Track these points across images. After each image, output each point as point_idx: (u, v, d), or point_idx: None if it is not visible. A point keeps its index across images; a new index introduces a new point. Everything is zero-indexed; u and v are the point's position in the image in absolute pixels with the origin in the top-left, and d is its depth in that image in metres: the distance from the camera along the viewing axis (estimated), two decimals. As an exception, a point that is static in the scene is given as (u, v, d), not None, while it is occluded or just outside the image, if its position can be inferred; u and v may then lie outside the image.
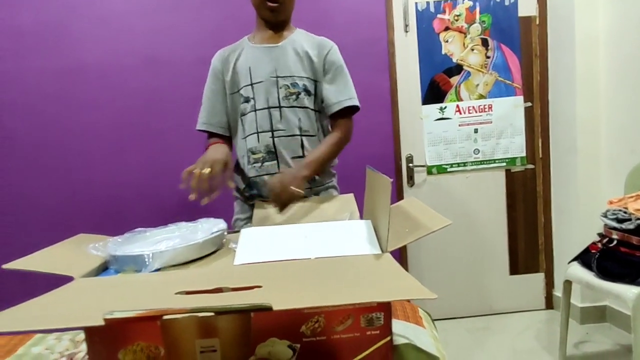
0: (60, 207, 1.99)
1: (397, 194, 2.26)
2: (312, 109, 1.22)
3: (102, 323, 0.44)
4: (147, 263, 0.67)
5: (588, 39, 2.08)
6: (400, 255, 2.29)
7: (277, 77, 1.19)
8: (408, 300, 1.08)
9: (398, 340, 0.81)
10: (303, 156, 1.20)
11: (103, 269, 0.75)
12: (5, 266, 0.67)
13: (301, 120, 1.20)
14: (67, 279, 0.68)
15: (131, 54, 1.97)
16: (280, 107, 1.18)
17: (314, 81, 1.22)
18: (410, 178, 2.28)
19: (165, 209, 2.03)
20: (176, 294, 0.56)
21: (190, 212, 1.98)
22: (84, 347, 0.93)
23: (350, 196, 1.09)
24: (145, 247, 0.71)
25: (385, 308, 0.59)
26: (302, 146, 1.20)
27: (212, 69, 1.26)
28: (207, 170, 0.95)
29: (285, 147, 1.19)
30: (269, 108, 1.18)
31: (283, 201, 1.02)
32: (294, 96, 1.19)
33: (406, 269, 2.30)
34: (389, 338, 0.61)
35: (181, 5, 1.98)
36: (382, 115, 2.12)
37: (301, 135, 1.20)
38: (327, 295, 0.57)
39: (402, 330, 0.86)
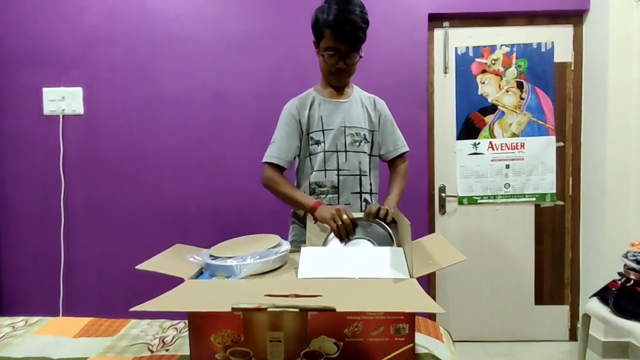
0: (136, 212, 2.32)
1: (429, 221, 2.44)
2: (368, 154, 1.49)
3: (229, 310, 0.68)
4: (235, 272, 0.92)
5: (621, 86, 2.19)
6: (429, 280, 2.46)
7: (346, 126, 1.44)
8: (433, 319, 1.28)
9: (420, 350, 1.01)
10: (360, 192, 1.45)
11: (200, 273, 1.01)
12: (138, 267, 0.94)
13: (361, 163, 1.46)
14: (178, 279, 0.93)
15: (202, 89, 2.30)
16: (346, 151, 1.44)
17: (371, 131, 1.49)
18: (442, 207, 2.45)
19: (222, 222, 2.32)
20: (265, 295, 0.80)
21: (242, 227, 2.26)
22: (170, 332, 1.19)
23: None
24: (233, 259, 0.96)
25: (410, 321, 0.80)
26: (360, 184, 1.46)
27: (286, 114, 1.48)
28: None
29: (347, 184, 1.44)
30: (336, 151, 1.43)
31: (374, 213, 1.24)
32: (357, 143, 1.45)
33: (434, 291, 2.47)
34: (411, 345, 0.82)
35: (245, 48, 2.29)
36: (419, 147, 2.30)
37: (360, 175, 1.46)
38: (367, 305, 0.79)
39: (424, 342, 1.06)
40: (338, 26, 1.30)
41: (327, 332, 0.79)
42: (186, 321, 1.10)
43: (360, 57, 1.40)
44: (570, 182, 2.45)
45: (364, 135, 1.47)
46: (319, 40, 1.39)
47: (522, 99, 2.41)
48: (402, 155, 1.55)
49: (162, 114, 2.30)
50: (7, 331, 1.17)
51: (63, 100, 2.29)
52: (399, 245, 1.13)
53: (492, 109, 2.42)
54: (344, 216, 1.19)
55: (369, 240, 1.18)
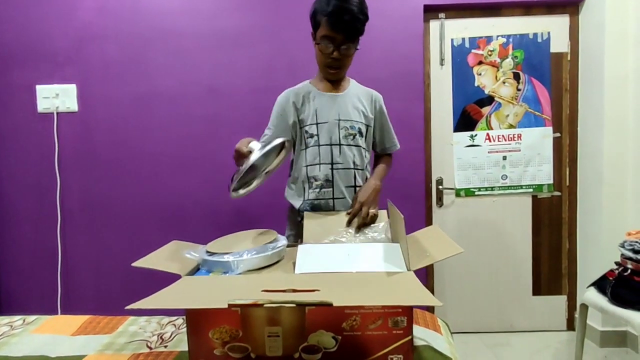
0: (133, 209, 2.31)
1: (427, 214, 2.44)
2: (362, 148, 1.47)
3: (226, 306, 0.68)
4: (233, 267, 0.92)
5: (617, 76, 2.18)
6: (427, 272, 2.47)
7: (340, 120, 1.43)
8: (431, 311, 1.28)
9: (418, 342, 1.01)
10: (354, 185, 1.45)
11: (196, 269, 1.00)
12: (134, 264, 0.94)
13: (355, 156, 1.45)
14: (175, 276, 0.93)
15: (195, 84, 2.28)
16: (340, 144, 1.42)
17: (367, 125, 1.48)
18: (439, 199, 2.46)
19: (218, 218, 2.31)
20: (262, 291, 0.79)
21: (239, 223, 2.26)
22: (168, 328, 1.19)
23: (383, 212, 1.35)
24: (230, 255, 0.95)
25: (408, 313, 0.80)
26: (355, 178, 1.45)
27: (278, 107, 1.48)
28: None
29: (341, 177, 1.43)
30: (330, 145, 1.42)
31: (362, 216, 1.30)
32: (351, 136, 1.44)
33: (432, 283, 2.48)
34: (410, 337, 0.82)
35: (238, 43, 2.27)
36: (415, 140, 2.31)
37: (354, 169, 1.45)
38: (365, 299, 0.79)
39: (423, 335, 1.06)
40: (335, 15, 1.29)
41: (325, 326, 0.79)
42: (184, 317, 1.10)
43: (357, 49, 1.39)
44: (567, 173, 2.46)
45: (359, 128, 1.45)
46: (316, 30, 1.38)
47: (518, 90, 2.40)
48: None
49: (156, 109, 2.29)
50: (4, 330, 1.16)
51: (57, 97, 2.27)
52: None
53: (489, 100, 2.41)
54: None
55: None
